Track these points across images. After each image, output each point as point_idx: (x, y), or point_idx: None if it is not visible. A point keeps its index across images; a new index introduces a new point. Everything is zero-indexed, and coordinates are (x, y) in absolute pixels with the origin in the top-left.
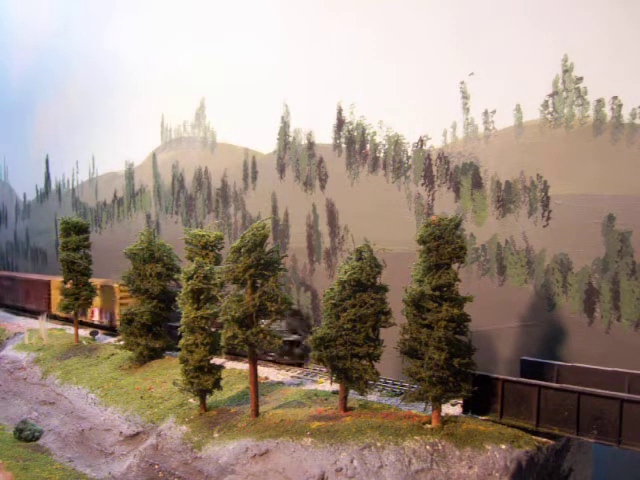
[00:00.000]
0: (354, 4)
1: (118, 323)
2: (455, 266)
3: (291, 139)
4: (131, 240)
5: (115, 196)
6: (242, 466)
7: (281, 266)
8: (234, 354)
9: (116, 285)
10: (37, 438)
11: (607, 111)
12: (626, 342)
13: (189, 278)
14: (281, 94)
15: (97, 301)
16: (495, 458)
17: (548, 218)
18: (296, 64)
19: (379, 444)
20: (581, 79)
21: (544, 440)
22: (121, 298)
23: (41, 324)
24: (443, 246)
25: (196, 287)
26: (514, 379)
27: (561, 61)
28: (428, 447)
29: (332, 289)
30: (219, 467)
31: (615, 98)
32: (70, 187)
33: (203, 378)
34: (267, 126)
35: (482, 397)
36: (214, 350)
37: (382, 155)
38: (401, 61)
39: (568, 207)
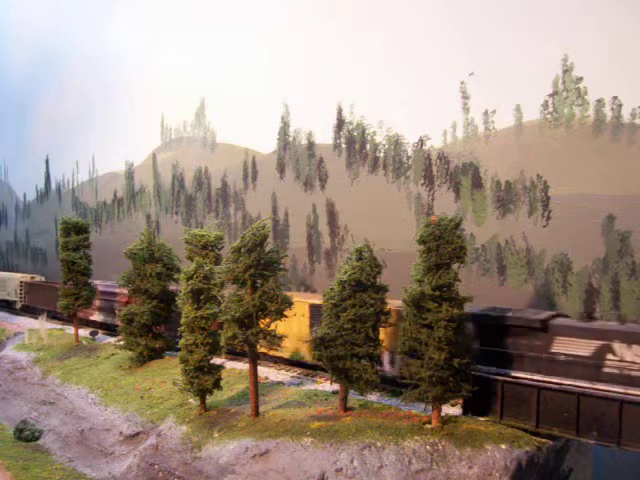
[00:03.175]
0: (354, 5)
1: None
2: (455, 266)
3: (291, 139)
4: (131, 240)
5: (115, 196)
6: (242, 466)
7: (281, 266)
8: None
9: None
10: (37, 438)
11: (607, 111)
12: None
13: (189, 278)
14: (281, 94)
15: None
16: (495, 458)
17: (548, 218)
18: (296, 64)
19: (379, 444)
20: (581, 79)
21: (544, 440)
22: None
23: (41, 324)
24: (443, 246)
25: (196, 287)
26: (514, 380)
27: (561, 61)
28: (428, 447)
29: (332, 289)
30: (219, 467)
31: (615, 98)
32: (70, 187)
33: (203, 378)
34: (267, 126)
35: (482, 398)
36: (214, 350)
37: (382, 155)
38: (401, 61)
39: (568, 207)
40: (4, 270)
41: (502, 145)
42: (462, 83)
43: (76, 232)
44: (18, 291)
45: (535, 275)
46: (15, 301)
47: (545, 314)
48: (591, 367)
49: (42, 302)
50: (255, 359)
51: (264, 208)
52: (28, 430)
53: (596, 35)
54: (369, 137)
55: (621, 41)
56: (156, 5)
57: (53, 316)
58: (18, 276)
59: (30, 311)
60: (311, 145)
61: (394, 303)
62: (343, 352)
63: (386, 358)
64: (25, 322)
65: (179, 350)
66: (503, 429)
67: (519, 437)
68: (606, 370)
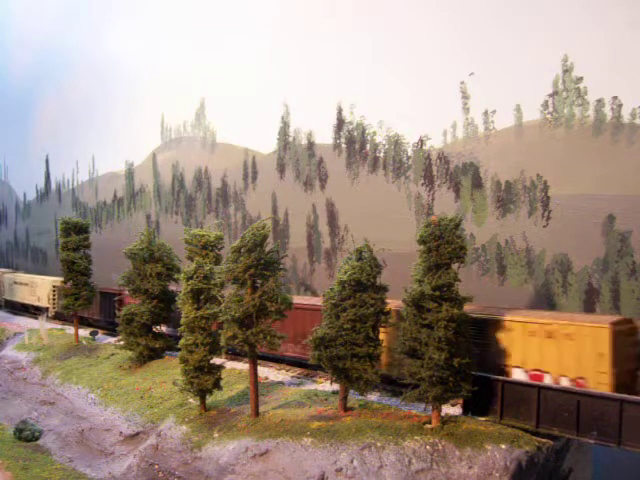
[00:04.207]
0: (354, 5)
1: None
2: (455, 266)
3: (291, 139)
4: (131, 240)
5: (115, 196)
6: (242, 466)
7: (281, 266)
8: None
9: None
10: (37, 438)
11: (607, 111)
12: None
13: (189, 278)
14: (281, 94)
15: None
16: (495, 458)
17: (548, 218)
18: (296, 64)
19: (379, 444)
20: (581, 79)
21: (544, 440)
22: None
23: (41, 324)
24: (443, 246)
25: (196, 287)
26: (514, 380)
27: (561, 61)
28: (428, 447)
29: (332, 289)
30: (219, 467)
31: (615, 98)
32: (70, 187)
33: (203, 378)
34: (267, 126)
35: (482, 398)
36: (214, 350)
37: (382, 155)
38: (401, 61)
39: (568, 207)
40: (6, 268)
41: (502, 145)
42: (462, 83)
43: (76, 232)
44: (51, 297)
45: (535, 275)
46: (47, 308)
47: None
48: None
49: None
50: (255, 359)
51: (264, 208)
52: (28, 430)
53: (596, 35)
54: (369, 137)
55: (621, 41)
56: (156, 6)
57: (99, 325)
58: (50, 280)
59: (64, 319)
60: (311, 145)
61: (393, 303)
62: (343, 352)
63: None
64: (25, 322)
65: (179, 350)
66: (503, 429)
67: (519, 437)
68: None
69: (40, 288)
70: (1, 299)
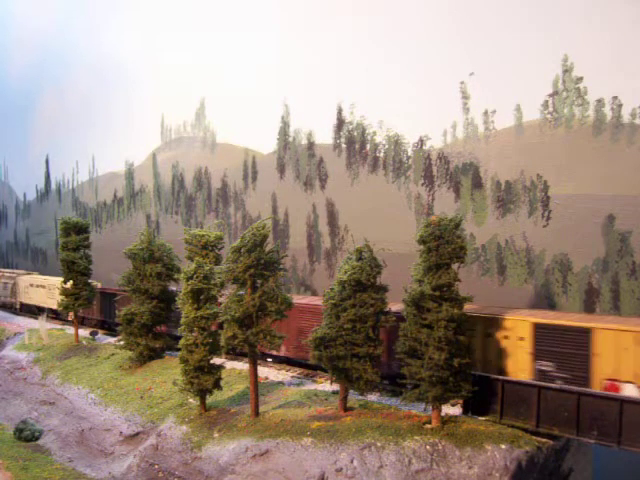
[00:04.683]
0: (354, 5)
1: None
2: (455, 266)
3: (291, 139)
4: (131, 240)
5: (115, 196)
6: (242, 466)
7: (281, 266)
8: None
9: None
10: (37, 438)
11: (607, 111)
12: None
13: (189, 278)
14: (281, 94)
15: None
16: (495, 458)
17: (548, 218)
18: (296, 64)
19: (379, 444)
20: (581, 79)
21: (544, 440)
22: None
23: (41, 324)
24: (443, 246)
25: (196, 287)
26: (514, 380)
27: (561, 61)
28: (428, 447)
29: (332, 289)
30: (219, 467)
31: (615, 98)
32: (70, 187)
33: (203, 378)
34: (267, 126)
35: (482, 398)
36: (214, 350)
37: (382, 155)
38: (401, 61)
39: (568, 207)
40: (6, 268)
41: (502, 145)
42: (462, 83)
43: (76, 232)
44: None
45: (535, 275)
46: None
47: None
48: None
49: (98, 312)
50: (255, 359)
51: (264, 208)
52: (28, 430)
53: (596, 35)
54: (369, 137)
55: (621, 41)
56: (156, 5)
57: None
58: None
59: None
60: (311, 145)
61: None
62: (343, 352)
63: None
64: (25, 322)
65: (179, 350)
66: (503, 429)
67: (519, 437)
68: None
69: (54, 290)
70: (17, 302)
